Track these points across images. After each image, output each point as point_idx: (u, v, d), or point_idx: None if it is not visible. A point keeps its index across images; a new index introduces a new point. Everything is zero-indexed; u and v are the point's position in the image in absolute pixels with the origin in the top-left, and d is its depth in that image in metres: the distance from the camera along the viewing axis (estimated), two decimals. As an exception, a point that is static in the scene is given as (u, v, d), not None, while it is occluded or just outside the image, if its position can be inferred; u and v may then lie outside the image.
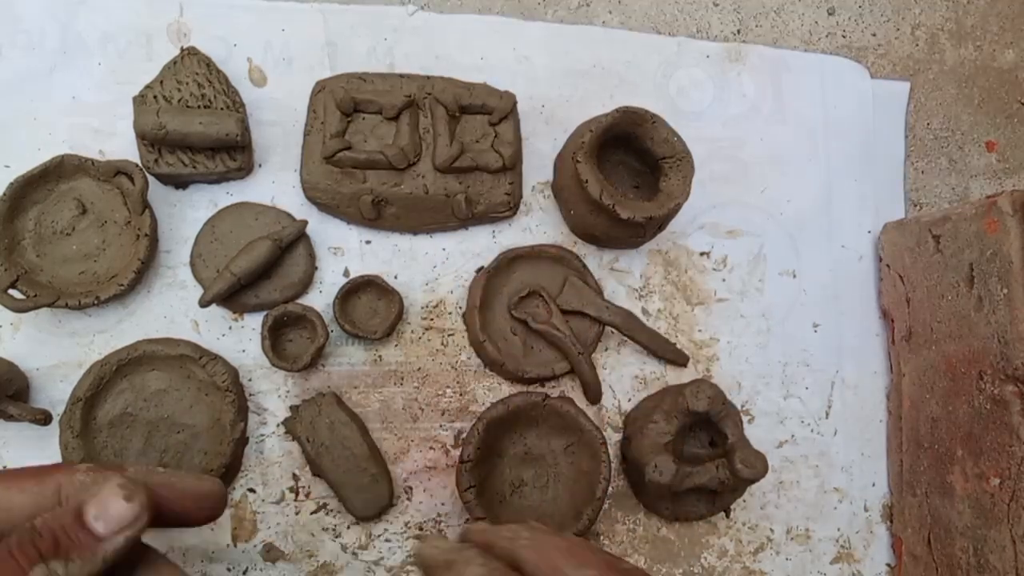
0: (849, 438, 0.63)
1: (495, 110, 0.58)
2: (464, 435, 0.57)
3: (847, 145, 0.67)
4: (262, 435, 0.57)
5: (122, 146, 0.57)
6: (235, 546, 0.55)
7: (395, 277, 0.59)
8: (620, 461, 0.59)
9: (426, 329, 0.59)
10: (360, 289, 0.57)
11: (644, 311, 0.61)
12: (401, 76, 0.58)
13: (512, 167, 0.59)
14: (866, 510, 0.62)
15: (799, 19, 0.68)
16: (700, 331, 0.62)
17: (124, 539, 0.28)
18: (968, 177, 0.69)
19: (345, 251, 0.59)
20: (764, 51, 0.67)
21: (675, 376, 0.61)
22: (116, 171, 0.54)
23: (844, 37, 0.69)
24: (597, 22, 0.65)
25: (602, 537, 0.59)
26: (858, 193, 0.66)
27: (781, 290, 0.64)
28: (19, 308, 0.51)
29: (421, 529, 0.57)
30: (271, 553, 0.56)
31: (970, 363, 0.54)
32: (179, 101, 0.55)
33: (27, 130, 0.57)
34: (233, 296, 0.56)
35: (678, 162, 0.55)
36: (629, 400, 0.60)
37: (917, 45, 0.70)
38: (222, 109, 0.55)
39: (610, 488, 0.56)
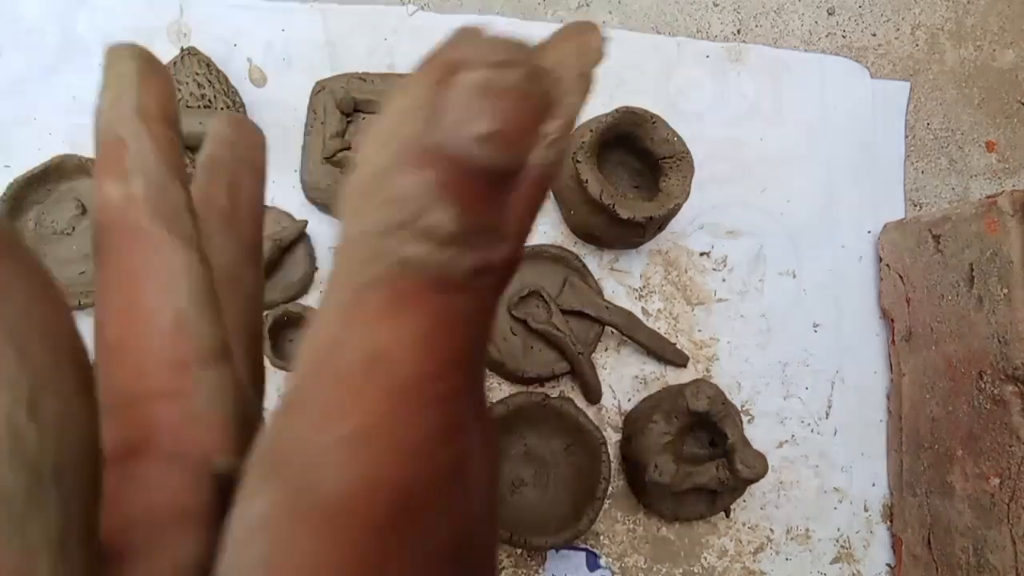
0: (849, 438, 0.63)
1: (495, 110, 0.58)
2: (464, 435, 0.57)
3: (847, 145, 0.67)
4: (262, 435, 0.57)
5: (122, 146, 0.57)
6: (235, 546, 0.55)
7: (395, 277, 0.59)
8: (620, 461, 0.59)
9: (426, 329, 0.59)
10: (360, 289, 0.57)
11: (644, 311, 0.61)
12: (401, 76, 0.58)
13: (512, 167, 0.59)
14: (866, 510, 0.62)
15: (799, 19, 0.68)
16: (700, 331, 0.62)
17: None
18: (968, 177, 0.69)
19: (345, 251, 0.59)
20: (764, 51, 0.66)
21: (675, 376, 0.61)
22: (116, 171, 0.54)
23: (844, 37, 0.69)
24: (597, 22, 0.65)
25: (602, 537, 0.59)
26: (858, 193, 0.66)
27: (781, 290, 0.64)
28: (19, 308, 0.51)
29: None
30: (271, 553, 0.55)
31: (970, 363, 0.54)
32: (179, 101, 0.55)
33: (27, 130, 0.57)
34: (233, 296, 0.56)
35: (678, 162, 0.55)
36: (629, 400, 0.60)
37: (917, 45, 0.70)
38: (222, 109, 0.55)
39: (610, 488, 0.56)
